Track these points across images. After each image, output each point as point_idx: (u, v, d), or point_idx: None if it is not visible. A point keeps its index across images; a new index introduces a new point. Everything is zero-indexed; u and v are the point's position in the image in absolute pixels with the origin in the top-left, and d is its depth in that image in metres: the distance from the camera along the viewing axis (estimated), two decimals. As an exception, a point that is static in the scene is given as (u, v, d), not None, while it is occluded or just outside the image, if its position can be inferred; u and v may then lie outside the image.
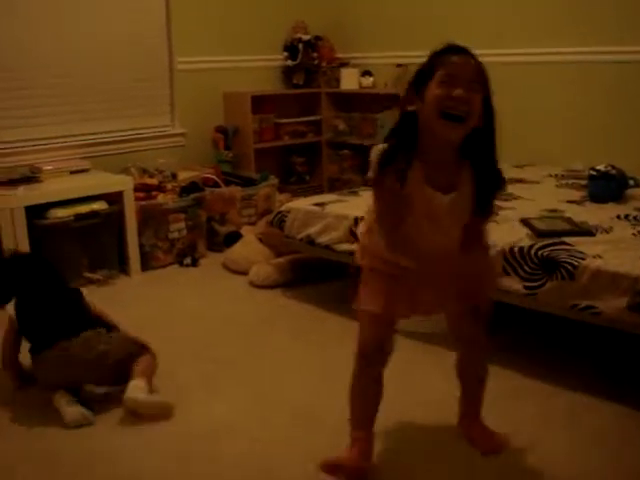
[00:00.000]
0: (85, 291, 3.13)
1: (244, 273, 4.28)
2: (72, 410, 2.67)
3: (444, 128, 1.98)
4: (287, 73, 5.97)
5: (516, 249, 2.97)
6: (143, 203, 4.43)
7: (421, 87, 2.01)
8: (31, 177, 4.21)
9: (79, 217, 4.12)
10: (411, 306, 2.21)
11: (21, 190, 4.02)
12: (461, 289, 2.23)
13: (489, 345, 2.44)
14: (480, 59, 2.04)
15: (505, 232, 3.16)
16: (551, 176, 4.43)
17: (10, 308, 2.92)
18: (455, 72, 1.97)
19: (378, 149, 2.04)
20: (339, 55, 6.00)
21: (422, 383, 2.95)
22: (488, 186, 2.16)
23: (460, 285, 2.22)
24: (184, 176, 4.87)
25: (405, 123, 2.06)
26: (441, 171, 2.07)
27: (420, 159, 2.02)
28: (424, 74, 2.02)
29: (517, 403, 2.76)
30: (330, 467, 2.27)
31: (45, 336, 2.84)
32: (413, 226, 2.08)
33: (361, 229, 2.29)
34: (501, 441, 2.46)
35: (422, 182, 2.03)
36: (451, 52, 2.03)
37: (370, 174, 2.04)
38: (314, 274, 4.22)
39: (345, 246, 3.57)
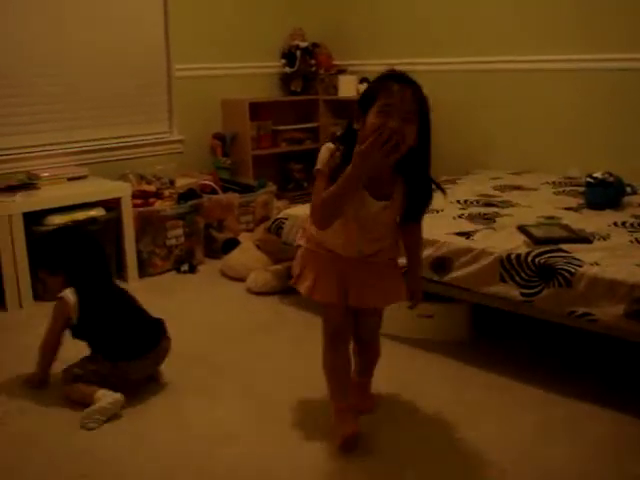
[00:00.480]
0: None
1: (242, 280, 4.28)
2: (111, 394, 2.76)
3: (381, 152, 2.14)
4: (285, 80, 5.99)
5: (513, 256, 2.98)
6: (141, 210, 4.43)
7: (366, 109, 2.23)
8: (29, 184, 4.21)
9: (77, 224, 4.12)
10: (341, 294, 2.47)
11: (19, 197, 4.02)
12: (384, 289, 2.52)
13: (379, 337, 2.76)
14: (420, 88, 2.25)
15: (502, 239, 3.17)
16: (548, 183, 4.44)
17: (70, 295, 2.89)
18: (393, 103, 2.16)
19: (328, 147, 2.35)
20: (337, 62, 6.01)
21: (420, 389, 2.95)
22: (419, 198, 2.40)
23: (383, 285, 2.52)
24: (182, 183, 4.87)
25: (349, 135, 2.30)
26: (377, 181, 2.30)
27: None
28: (368, 98, 2.24)
29: (516, 411, 2.76)
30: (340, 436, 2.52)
31: (128, 346, 2.90)
32: (342, 224, 2.36)
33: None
34: (366, 407, 2.77)
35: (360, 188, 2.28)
36: (393, 80, 2.22)
37: (318, 166, 2.33)
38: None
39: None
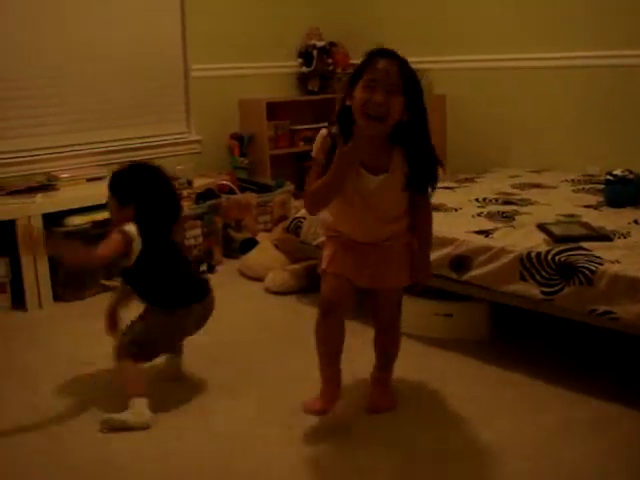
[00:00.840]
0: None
1: (260, 279, 4.28)
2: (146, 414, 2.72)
3: (366, 125, 2.32)
4: (302, 79, 5.98)
5: (533, 254, 2.96)
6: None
7: (354, 85, 2.35)
8: (48, 185, 4.24)
9: (96, 224, 4.13)
10: (356, 271, 2.55)
11: (39, 198, 4.05)
12: (395, 270, 2.59)
13: (399, 329, 2.78)
14: (407, 63, 2.37)
15: (522, 237, 3.15)
16: (567, 181, 4.41)
17: (133, 230, 2.81)
18: (377, 77, 2.29)
19: (321, 134, 2.46)
20: (354, 61, 5.99)
21: (438, 387, 2.94)
22: (421, 166, 2.43)
23: (396, 267, 2.58)
24: (200, 183, 4.88)
25: (344, 114, 2.40)
26: (372, 155, 2.41)
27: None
28: (355, 74, 2.37)
29: (538, 411, 2.73)
30: (308, 405, 2.63)
31: (184, 291, 2.89)
32: (345, 203, 2.47)
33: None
34: (384, 406, 2.77)
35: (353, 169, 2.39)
36: (378, 56, 2.36)
37: (313, 154, 2.46)
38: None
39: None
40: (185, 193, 4.67)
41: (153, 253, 2.83)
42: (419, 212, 2.57)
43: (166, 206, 2.90)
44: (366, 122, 2.30)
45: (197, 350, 3.14)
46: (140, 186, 2.86)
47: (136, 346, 2.79)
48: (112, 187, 2.89)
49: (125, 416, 2.68)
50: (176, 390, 2.98)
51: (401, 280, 2.62)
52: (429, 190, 2.52)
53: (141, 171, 2.94)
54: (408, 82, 2.32)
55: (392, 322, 2.76)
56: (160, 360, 3.03)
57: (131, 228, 2.80)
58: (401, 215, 2.54)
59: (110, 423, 2.67)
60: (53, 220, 4.04)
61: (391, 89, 2.27)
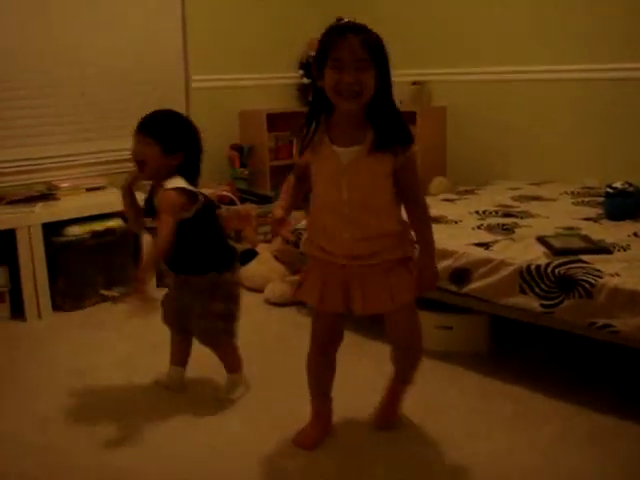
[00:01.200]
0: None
1: (260, 290, 4.28)
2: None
3: (341, 104, 2.20)
4: (302, 91, 5.99)
5: (533, 267, 2.96)
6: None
7: (322, 67, 2.19)
8: (48, 194, 4.24)
9: (95, 234, 4.14)
10: (344, 300, 2.39)
11: (38, 207, 4.05)
12: (389, 288, 2.36)
13: (420, 346, 2.63)
14: (369, 32, 2.22)
15: (521, 250, 3.15)
16: (567, 193, 4.41)
17: (186, 185, 2.69)
18: (342, 56, 2.13)
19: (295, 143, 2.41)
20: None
21: (438, 401, 2.94)
22: (386, 124, 2.22)
23: (388, 284, 2.36)
24: (200, 193, 4.88)
25: (318, 94, 2.26)
26: (347, 132, 2.24)
27: (331, 122, 2.27)
28: (319, 56, 2.20)
29: (538, 424, 2.73)
30: (298, 437, 2.63)
31: (228, 253, 2.94)
32: (319, 196, 2.36)
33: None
34: (390, 422, 2.73)
35: (328, 141, 2.26)
36: (336, 33, 2.17)
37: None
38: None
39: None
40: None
41: (201, 212, 2.76)
42: (411, 209, 2.37)
43: (199, 160, 2.82)
44: (340, 102, 2.17)
45: (194, 360, 3.13)
46: (189, 132, 2.75)
47: (225, 323, 2.87)
48: (155, 133, 2.66)
49: (241, 391, 2.99)
50: (171, 401, 2.98)
51: (397, 299, 2.37)
52: (401, 152, 2.22)
53: (182, 117, 2.83)
54: (375, 53, 2.17)
55: (409, 341, 2.58)
56: (164, 370, 3.04)
57: (181, 182, 2.69)
58: (384, 215, 2.32)
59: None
60: (53, 230, 4.04)
61: (359, 66, 2.13)
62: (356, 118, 2.23)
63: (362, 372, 3.20)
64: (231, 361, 3.00)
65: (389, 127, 2.21)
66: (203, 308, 2.82)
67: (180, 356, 3.08)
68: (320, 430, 2.64)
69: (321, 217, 2.38)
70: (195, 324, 2.87)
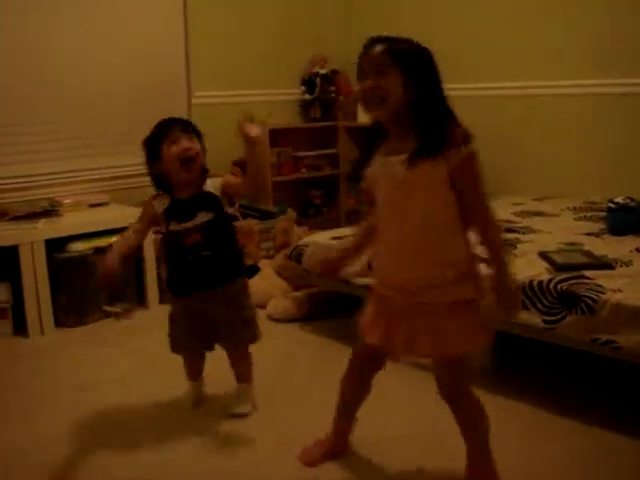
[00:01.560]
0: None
1: (262, 306, 4.27)
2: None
3: (370, 113, 2.19)
4: (304, 107, 6.01)
5: (535, 283, 2.96)
6: (161, 236, 4.44)
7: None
8: (51, 210, 4.25)
9: (98, 250, 4.14)
10: (386, 341, 2.24)
11: (41, 224, 4.05)
12: (441, 333, 2.12)
13: (474, 402, 2.32)
14: (397, 40, 2.23)
15: (524, 266, 3.15)
16: (569, 209, 4.41)
17: None
18: (362, 65, 2.18)
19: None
20: (356, 89, 6.01)
21: (439, 416, 2.93)
22: (429, 127, 2.11)
23: (441, 328, 2.11)
24: (202, 209, 4.88)
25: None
26: (397, 143, 2.13)
27: (386, 141, 2.18)
28: (357, 73, 2.21)
29: (541, 441, 2.72)
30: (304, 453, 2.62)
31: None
32: (379, 217, 2.22)
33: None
34: None
35: (382, 156, 2.16)
36: (364, 46, 2.24)
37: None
38: (332, 308, 4.21)
39: (363, 280, 3.57)
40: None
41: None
42: (476, 221, 2.12)
43: None
44: (367, 111, 2.16)
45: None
46: None
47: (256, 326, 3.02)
48: (196, 132, 2.92)
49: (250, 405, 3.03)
50: (173, 416, 2.97)
51: (446, 348, 2.13)
52: (454, 154, 2.07)
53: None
54: (400, 57, 2.13)
55: (448, 389, 2.31)
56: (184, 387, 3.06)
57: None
58: (446, 234, 2.12)
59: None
60: (55, 246, 4.05)
61: (379, 70, 2.10)
62: (404, 127, 2.13)
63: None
64: (249, 368, 3.06)
65: (433, 131, 2.08)
66: (239, 315, 2.91)
67: (199, 372, 3.11)
68: (330, 448, 2.62)
69: (379, 241, 2.25)
70: (233, 332, 2.93)
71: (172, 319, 2.97)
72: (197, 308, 2.89)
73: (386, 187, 2.16)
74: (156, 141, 2.78)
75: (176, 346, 2.98)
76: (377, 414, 2.79)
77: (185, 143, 2.74)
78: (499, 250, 2.13)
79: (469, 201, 2.10)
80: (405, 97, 2.10)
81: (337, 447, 2.62)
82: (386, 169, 2.14)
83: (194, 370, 3.09)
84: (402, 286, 2.16)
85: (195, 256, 2.79)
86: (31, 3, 4.41)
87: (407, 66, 2.12)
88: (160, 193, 2.85)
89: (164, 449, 2.72)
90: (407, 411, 2.98)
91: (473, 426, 2.33)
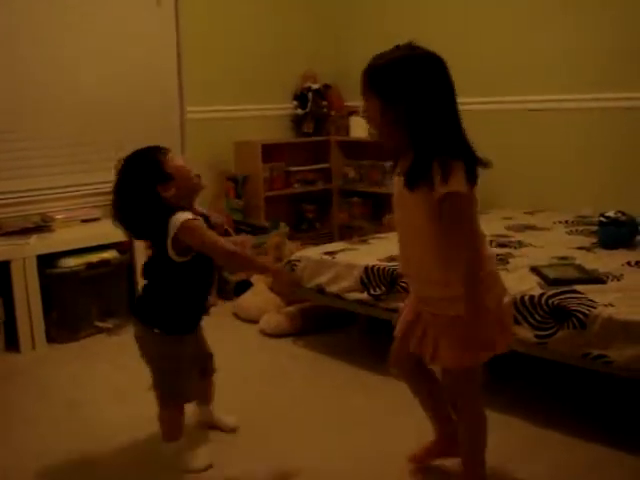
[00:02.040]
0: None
1: (255, 322, 4.28)
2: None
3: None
4: (297, 121, 6.02)
5: (526, 298, 2.96)
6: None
7: None
8: (43, 226, 4.24)
9: (90, 266, 4.14)
10: (404, 336, 2.39)
11: (33, 239, 4.05)
12: (435, 345, 2.23)
13: (477, 414, 2.35)
14: (380, 63, 2.20)
15: (515, 280, 3.15)
16: (561, 222, 4.42)
17: None
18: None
19: None
20: (348, 103, 6.04)
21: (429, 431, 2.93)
22: (415, 166, 2.07)
23: (435, 340, 2.23)
24: (195, 224, 4.88)
25: None
26: (403, 163, 2.15)
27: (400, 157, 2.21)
28: None
29: (535, 455, 2.72)
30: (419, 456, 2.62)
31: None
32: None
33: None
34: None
35: (395, 174, 2.21)
36: None
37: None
38: (325, 323, 4.21)
39: (355, 295, 3.57)
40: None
41: None
42: (458, 254, 2.07)
43: None
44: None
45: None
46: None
47: None
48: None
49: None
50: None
51: (441, 363, 2.27)
52: (439, 186, 2.01)
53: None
54: (376, 82, 2.13)
55: (451, 395, 2.40)
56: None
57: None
58: (429, 257, 2.13)
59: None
60: (47, 261, 4.04)
61: (363, 93, 2.15)
62: (404, 148, 2.14)
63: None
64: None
65: (418, 160, 2.05)
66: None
67: (207, 396, 3.01)
68: (434, 448, 2.61)
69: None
70: (208, 356, 2.95)
71: (179, 367, 2.67)
72: (194, 341, 2.83)
73: (395, 205, 2.23)
74: (156, 164, 2.53)
75: (190, 395, 2.77)
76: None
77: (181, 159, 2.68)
78: (468, 288, 2.05)
79: (449, 233, 2.08)
80: (385, 122, 2.10)
81: (446, 448, 2.57)
82: (395, 188, 2.20)
83: (202, 394, 2.97)
84: (418, 296, 2.31)
85: (211, 279, 2.82)
86: (26, 19, 4.43)
87: (383, 92, 2.10)
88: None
89: (155, 469, 2.71)
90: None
91: (468, 437, 2.36)
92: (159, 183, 2.49)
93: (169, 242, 2.46)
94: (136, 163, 2.56)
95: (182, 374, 2.66)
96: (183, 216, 2.45)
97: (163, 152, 2.58)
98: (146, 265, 2.68)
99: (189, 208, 2.56)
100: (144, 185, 2.49)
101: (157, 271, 2.62)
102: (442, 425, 2.57)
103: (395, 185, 2.20)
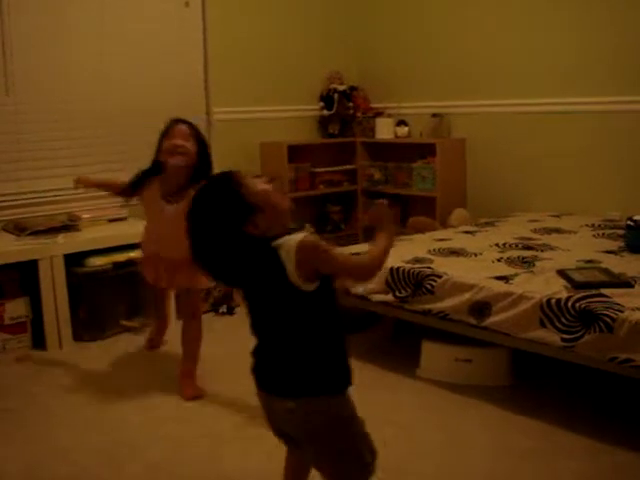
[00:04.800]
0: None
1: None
2: None
3: None
4: (323, 123, 6.02)
5: (553, 301, 2.94)
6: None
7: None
8: (70, 225, 4.27)
9: (116, 265, 4.17)
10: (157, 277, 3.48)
11: (60, 238, 4.08)
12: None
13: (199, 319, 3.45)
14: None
15: (542, 284, 3.14)
16: (588, 226, 4.39)
17: None
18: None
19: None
20: (374, 105, 6.04)
21: (458, 435, 2.92)
22: None
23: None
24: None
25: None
26: (174, 191, 3.33)
27: (160, 181, 3.40)
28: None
29: (560, 460, 2.70)
30: None
31: None
32: (149, 222, 3.57)
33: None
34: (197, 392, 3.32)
35: (158, 196, 3.39)
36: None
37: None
38: (349, 324, 4.20)
39: (381, 296, 3.57)
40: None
41: None
42: None
43: None
44: None
45: (214, 391, 3.14)
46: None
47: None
48: None
49: None
50: (188, 435, 2.97)
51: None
52: None
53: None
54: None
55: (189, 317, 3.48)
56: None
57: None
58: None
59: None
60: (74, 260, 4.08)
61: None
62: (182, 181, 3.34)
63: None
64: None
65: None
66: None
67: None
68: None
69: None
70: None
71: (360, 429, 2.08)
72: None
73: (158, 215, 3.49)
74: (236, 198, 1.97)
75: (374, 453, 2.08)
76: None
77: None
78: None
79: None
80: None
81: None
82: (162, 208, 3.45)
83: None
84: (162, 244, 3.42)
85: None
86: (51, 23, 4.47)
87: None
88: None
89: (174, 458, 2.72)
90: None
91: (195, 343, 3.43)
92: (245, 221, 1.94)
93: (291, 269, 1.90)
94: (210, 204, 1.97)
95: (367, 437, 2.08)
96: (295, 237, 1.95)
97: (239, 178, 2.04)
98: (259, 321, 2.08)
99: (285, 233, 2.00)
100: (227, 232, 1.94)
101: (285, 318, 2.00)
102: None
103: (165, 206, 3.42)
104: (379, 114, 5.93)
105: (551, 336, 2.93)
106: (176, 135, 3.40)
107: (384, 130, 5.80)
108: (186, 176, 3.31)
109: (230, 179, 2.01)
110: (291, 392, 1.96)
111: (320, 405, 1.96)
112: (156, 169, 3.43)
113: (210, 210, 1.95)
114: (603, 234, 4.16)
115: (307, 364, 1.98)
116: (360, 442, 2.03)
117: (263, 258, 1.94)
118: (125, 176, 4.79)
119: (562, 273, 3.25)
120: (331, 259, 1.96)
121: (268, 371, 2.04)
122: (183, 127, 3.44)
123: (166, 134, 3.43)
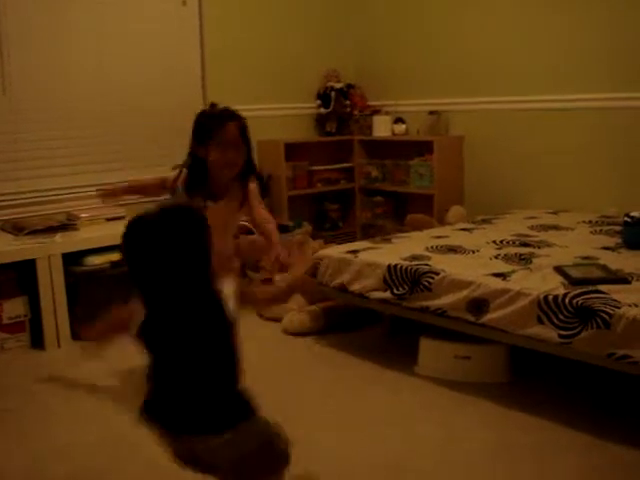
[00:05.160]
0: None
1: (277, 320, 4.29)
2: None
3: None
4: (320, 121, 6.03)
5: (550, 298, 2.95)
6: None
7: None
8: (68, 224, 4.28)
9: (114, 264, 4.17)
10: None
11: (58, 237, 4.08)
12: None
13: None
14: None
15: (539, 280, 3.14)
16: (585, 222, 4.39)
17: None
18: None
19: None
20: (371, 103, 6.04)
21: (456, 431, 2.92)
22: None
23: None
24: (218, 223, 4.90)
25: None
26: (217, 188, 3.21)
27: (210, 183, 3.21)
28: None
29: (558, 456, 2.70)
30: None
31: None
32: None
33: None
34: None
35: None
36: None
37: None
38: (347, 321, 4.21)
39: (378, 294, 3.57)
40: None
41: None
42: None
43: None
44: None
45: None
46: None
47: None
48: None
49: None
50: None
51: None
52: None
53: None
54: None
55: None
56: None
57: None
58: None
59: None
60: (72, 260, 4.08)
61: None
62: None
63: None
64: None
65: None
66: None
67: None
68: None
69: None
70: None
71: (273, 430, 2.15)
72: None
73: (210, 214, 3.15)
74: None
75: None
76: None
77: None
78: None
79: None
80: None
81: None
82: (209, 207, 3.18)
83: None
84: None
85: None
86: (49, 22, 4.48)
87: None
88: None
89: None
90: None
91: None
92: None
93: None
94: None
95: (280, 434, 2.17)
96: None
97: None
98: (178, 359, 2.03)
99: None
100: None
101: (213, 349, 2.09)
102: None
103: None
104: (376, 112, 5.93)
105: (549, 332, 2.93)
106: (229, 140, 3.15)
107: (381, 128, 5.80)
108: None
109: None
110: (227, 424, 1.91)
111: (252, 426, 1.98)
112: (201, 169, 3.18)
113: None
114: (600, 230, 4.16)
115: (234, 391, 2.00)
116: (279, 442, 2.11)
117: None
118: (125, 176, 4.85)
119: (559, 270, 3.25)
120: None
121: (193, 412, 1.93)
122: (233, 128, 3.18)
123: (214, 133, 3.13)
